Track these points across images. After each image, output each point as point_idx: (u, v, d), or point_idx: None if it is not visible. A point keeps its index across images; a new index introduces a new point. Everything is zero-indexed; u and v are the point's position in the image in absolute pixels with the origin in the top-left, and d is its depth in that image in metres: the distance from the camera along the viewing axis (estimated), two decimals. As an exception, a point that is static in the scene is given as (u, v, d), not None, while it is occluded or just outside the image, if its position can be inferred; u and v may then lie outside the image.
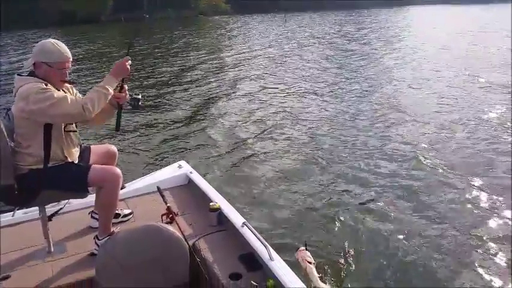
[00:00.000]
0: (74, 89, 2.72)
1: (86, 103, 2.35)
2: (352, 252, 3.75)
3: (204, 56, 14.69)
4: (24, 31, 22.30)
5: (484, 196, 4.78)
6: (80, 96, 2.75)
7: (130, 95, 2.74)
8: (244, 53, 14.80)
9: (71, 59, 2.53)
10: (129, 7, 36.11)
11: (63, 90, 2.56)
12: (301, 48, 14.89)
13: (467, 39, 12.83)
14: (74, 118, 2.42)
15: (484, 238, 3.96)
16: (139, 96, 2.76)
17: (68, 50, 2.49)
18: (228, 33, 20.00)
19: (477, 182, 5.10)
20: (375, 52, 13.77)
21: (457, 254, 3.77)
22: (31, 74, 2.44)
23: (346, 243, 3.88)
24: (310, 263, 2.86)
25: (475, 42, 12.83)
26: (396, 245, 3.87)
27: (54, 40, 2.49)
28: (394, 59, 13.48)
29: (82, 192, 2.53)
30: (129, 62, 2.59)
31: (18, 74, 2.46)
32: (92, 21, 29.86)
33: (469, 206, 4.58)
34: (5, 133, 2.38)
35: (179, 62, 13.58)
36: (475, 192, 4.87)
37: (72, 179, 2.47)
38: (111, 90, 2.49)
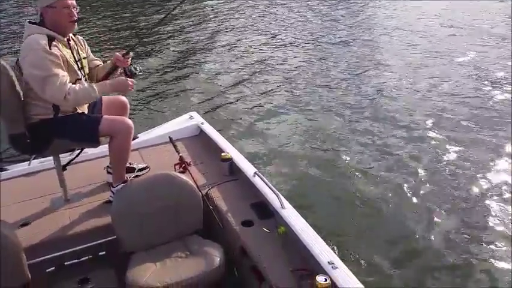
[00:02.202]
0: (85, 43, 2.67)
1: (70, 93, 2.29)
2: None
3: (208, 11, 14.32)
4: None
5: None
6: (91, 55, 2.72)
7: (131, 64, 2.67)
8: (243, 12, 14.35)
9: None
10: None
11: (73, 40, 2.50)
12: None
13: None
14: (53, 101, 2.34)
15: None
16: (137, 71, 2.67)
17: None
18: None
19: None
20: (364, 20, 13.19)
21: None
22: (41, 23, 2.38)
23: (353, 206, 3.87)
24: None
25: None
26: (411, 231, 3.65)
27: None
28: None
29: (93, 143, 2.54)
30: (134, 82, 2.57)
31: (29, 21, 2.40)
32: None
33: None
34: (16, 83, 2.38)
35: (183, 16, 13.24)
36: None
37: (83, 130, 2.47)
38: (99, 96, 2.45)
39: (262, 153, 4.79)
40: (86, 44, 2.67)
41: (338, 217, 3.67)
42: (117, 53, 2.64)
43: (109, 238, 2.36)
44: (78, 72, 2.48)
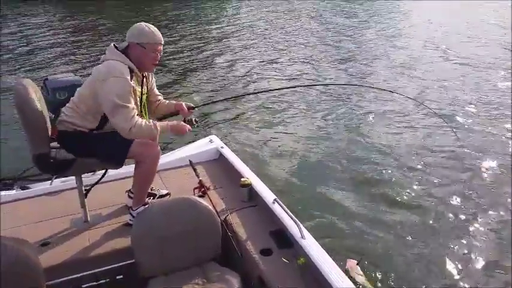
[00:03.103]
0: (153, 77, 2.78)
1: (135, 127, 2.38)
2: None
3: (225, 30, 14.64)
4: (23, 4, 22.27)
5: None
6: (155, 89, 2.83)
7: (191, 117, 2.87)
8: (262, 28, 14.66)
9: (163, 43, 2.56)
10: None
11: (144, 76, 2.61)
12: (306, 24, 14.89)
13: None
14: (117, 128, 2.42)
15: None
16: (196, 123, 2.84)
17: (160, 34, 2.53)
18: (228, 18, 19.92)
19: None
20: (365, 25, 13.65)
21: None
22: (125, 52, 2.47)
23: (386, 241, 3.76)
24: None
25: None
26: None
27: (146, 23, 2.52)
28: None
29: (119, 164, 2.56)
30: (191, 129, 2.72)
31: (114, 45, 2.50)
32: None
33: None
34: (43, 102, 2.43)
35: (200, 36, 13.53)
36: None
37: (113, 148, 2.50)
38: (158, 133, 2.53)
39: (282, 180, 4.74)
40: (153, 77, 2.80)
41: (361, 250, 3.54)
42: (184, 104, 2.85)
43: (127, 262, 2.35)
44: (140, 107, 2.59)
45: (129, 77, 2.39)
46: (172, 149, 3.82)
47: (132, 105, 2.40)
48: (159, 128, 2.51)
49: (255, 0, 20.93)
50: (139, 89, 2.57)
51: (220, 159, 3.53)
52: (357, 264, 3.07)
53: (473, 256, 3.59)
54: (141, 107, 2.62)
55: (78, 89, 2.52)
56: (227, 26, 15.40)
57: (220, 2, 21.30)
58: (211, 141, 3.74)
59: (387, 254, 3.55)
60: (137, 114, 2.49)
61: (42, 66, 10.03)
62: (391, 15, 16.40)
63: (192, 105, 2.95)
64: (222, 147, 3.59)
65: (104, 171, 2.85)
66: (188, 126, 2.68)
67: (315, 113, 6.93)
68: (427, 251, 3.63)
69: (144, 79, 2.62)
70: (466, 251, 3.65)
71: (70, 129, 2.47)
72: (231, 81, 8.75)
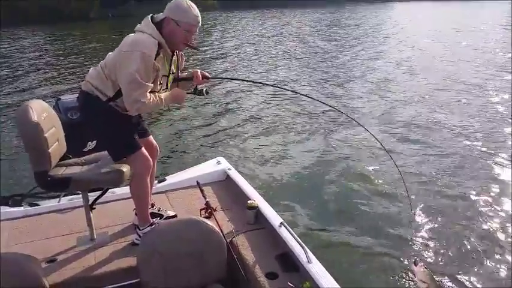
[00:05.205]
0: (183, 58, 2.74)
1: (144, 104, 2.38)
2: None
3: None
4: (6, 29, 22.85)
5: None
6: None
7: (204, 87, 2.83)
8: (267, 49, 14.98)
9: (200, 24, 2.48)
10: (117, 2, 36.52)
11: (175, 55, 2.58)
12: (287, 43, 15.24)
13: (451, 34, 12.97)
14: (124, 98, 2.40)
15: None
16: (206, 93, 2.82)
17: (199, 14, 2.44)
18: (217, 30, 20.48)
19: None
20: (354, 45, 13.86)
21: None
22: (159, 26, 2.41)
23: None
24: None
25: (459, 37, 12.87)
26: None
27: (189, 1, 2.45)
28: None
29: (115, 156, 2.54)
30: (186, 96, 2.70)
31: (151, 16, 2.46)
32: (81, 19, 30.91)
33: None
34: (55, 122, 2.47)
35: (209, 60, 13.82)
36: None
37: (119, 142, 2.52)
38: (162, 106, 2.56)
39: (289, 203, 4.70)
40: (184, 59, 2.76)
41: (369, 275, 3.49)
42: (199, 72, 2.74)
43: (132, 281, 2.34)
44: (159, 86, 2.54)
45: (154, 54, 2.33)
46: (179, 170, 3.83)
47: (149, 84, 2.36)
48: (164, 103, 2.52)
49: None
50: (166, 67, 2.52)
51: (228, 180, 3.53)
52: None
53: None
54: (166, 85, 2.60)
55: (109, 54, 2.52)
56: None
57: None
58: (218, 162, 3.76)
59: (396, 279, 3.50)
60: (156, 91, 2.49)
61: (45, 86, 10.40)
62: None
63: (208, 74, 2.81)
64: (229, 169, 3.60)
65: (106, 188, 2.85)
66: (185, 94, 2.67)
67: (326, 137, 6.94)
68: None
69: (175, 57, 2.57)
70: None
71: (91, 91, 2.47)
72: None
